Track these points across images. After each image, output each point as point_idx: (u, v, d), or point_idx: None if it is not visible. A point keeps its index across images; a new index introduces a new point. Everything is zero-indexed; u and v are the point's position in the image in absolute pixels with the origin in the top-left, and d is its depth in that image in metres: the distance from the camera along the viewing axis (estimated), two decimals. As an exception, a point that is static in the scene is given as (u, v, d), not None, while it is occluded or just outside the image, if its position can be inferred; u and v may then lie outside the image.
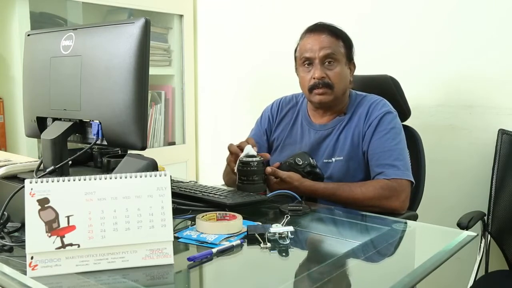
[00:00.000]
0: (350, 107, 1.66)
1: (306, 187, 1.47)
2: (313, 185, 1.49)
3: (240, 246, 1.05)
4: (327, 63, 1.59)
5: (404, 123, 1.75)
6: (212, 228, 1.11)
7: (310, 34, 1.63)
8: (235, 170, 1.48)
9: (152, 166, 1.11)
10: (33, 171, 1.23)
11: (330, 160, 1.62)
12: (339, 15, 2.30)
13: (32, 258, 0.88)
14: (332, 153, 1.63)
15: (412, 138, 1.79)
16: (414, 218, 1.56)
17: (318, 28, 1.62)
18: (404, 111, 1.80)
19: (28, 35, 1.37)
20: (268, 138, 1.80)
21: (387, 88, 1.79)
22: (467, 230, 1.59)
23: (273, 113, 1.80)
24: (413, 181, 1.53)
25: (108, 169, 1.33)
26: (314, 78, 1.59)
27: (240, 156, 1.47)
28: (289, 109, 1.78)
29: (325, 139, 1.65)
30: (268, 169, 1.47)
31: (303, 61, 1.63)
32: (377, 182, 1.50)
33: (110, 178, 0.93)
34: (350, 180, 1.57)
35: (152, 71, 1.99)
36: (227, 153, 1.57)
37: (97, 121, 1.17)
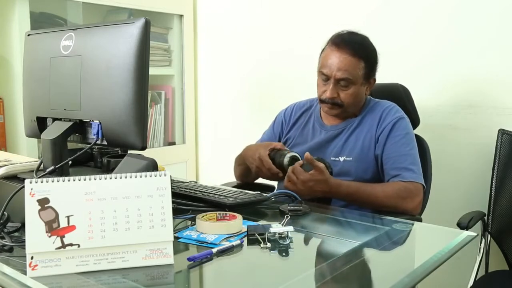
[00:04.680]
0: (363, 110, 1.70)
1: (333, 182, 1.49)
2: (339, 181, 1.50)
3: (240, 246, 1.05)
4: (342, 83, 1.61)
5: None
6: (212, 228, 1.11)
7: (333, 47, 1.62)
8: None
9: (152, 166, 1.11)
10: (33, 171, 1.23)
11: (337, 159, 1.65)
12: (340, 17, 2.30)
13: (32, 258, 0.88)
14: (340, 152, 1.65)
15: (421, 148, 1.75)
16: (419, 221, 1.56)
17: (342, 44, 1.60)
18: (413, 120, 1.79)
19: (28, 35, 1.37)
20: (279, 140, 1.82)
21: (398, 97, 1.80)
22: (467, 230, 1.59)
23: (286, 118, 1.83)
24: (425, 185, 1.58)
25: (108, 169, 1.33)
26: (326, 95, 1.62)
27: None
28: (303, 112, 1.82)
29: (335, 139, 1.69)
30: (308, 155, 1.45)
31: (321, 73, 1.65)
32: (395, 183, 1.54)
33: (110, 178, 0.93)
34: (357, 180, 1.59)
35: (152, 71, 1.99)
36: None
37: (97, 121, 1.17)
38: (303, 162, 1.50)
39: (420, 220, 1.58)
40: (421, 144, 1.79)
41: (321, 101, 1.67)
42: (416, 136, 1.80)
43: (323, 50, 1.68)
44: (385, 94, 1.80)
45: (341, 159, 1.64)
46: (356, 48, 1.60)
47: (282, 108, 1.88)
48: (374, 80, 1.69)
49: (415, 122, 1.83)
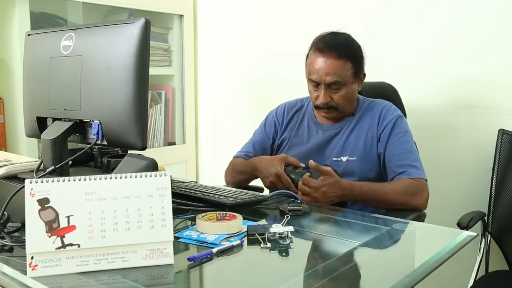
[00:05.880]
0: (358, 109, 1.70)
1: (345, 184, 1.48)
2: (350, 182, 1.51)
3: (240, 246, 1.05)
4: (333, 87, 1.60)
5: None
6: (212, 228, 1.11)
7: (318, 53, 1.61)
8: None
9: (152, 166, 1.11)
10: (33, 171, 1.23)
11: (339, 159, 1.65)
12: (340, 17, 2.30)
13: (32, 258, 0.88)
14: (342, 151, 1.65)
15: None
16: (424, 216, 1.58)
17: (326, 49, 1.59)
18: None
19: (28, 35, 1.37)
20: (273, 142, 1.81)
21: (386, 96, 1.81)
22: (467, 230, 1.59)
23: (279, 118, 1.81)
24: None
25: (108, 169, 1.33)
26: (320, 100, 1.62)
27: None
28: (295, 112, 1.80)
29: (333, 138, 1.68)
30: (312, 162, 1.45)
31: (310, 80, 1.64)
32: (403, 180, 1.55)
33: (110, 178, 0.93)
34: (362, 179, 1.59)
35: (152, 71, 1.99)
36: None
37: (97, 121, 1.17)
38: (311, 172, 1.49)
39: (425, 215, 1.58)
40: None
41: (316, 107, 1.67)
42: None
43: (307, 56, 1.67)
44: (373, 93, 1.80)
45: (344, 159, 1.64)
46: (341, 49, 1.59)
47: None
48: (364, 74, 1.69)
49: None
